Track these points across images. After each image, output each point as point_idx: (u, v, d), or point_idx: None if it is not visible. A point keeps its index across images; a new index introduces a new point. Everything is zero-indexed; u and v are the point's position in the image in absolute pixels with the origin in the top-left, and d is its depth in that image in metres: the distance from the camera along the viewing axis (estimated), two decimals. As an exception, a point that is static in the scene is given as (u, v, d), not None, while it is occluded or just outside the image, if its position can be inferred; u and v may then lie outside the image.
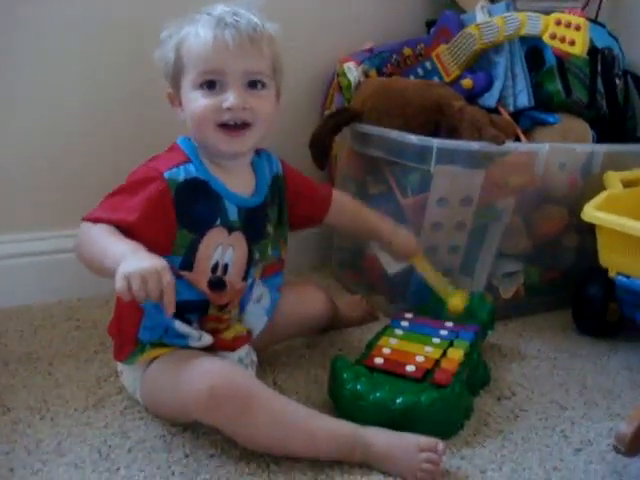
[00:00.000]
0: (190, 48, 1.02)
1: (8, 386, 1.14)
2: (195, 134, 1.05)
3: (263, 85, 1.03)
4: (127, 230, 0.96)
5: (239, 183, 1.08)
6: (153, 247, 0.94)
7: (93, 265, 0.96)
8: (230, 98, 1.00)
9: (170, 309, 0.88)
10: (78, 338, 1.32)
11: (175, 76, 1.05)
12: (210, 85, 1.01)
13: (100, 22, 1.42)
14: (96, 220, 0.97)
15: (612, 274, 1.34)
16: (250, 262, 1.09)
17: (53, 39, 1.40)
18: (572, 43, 1.33)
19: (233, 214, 1.05)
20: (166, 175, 1.00)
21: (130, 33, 1.43)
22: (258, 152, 1.14)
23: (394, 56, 1.57)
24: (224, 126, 1.01)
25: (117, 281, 0.85)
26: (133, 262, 0.87)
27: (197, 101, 1.01)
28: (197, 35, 1.01)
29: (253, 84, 1.02)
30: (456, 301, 1.27)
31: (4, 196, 1.42)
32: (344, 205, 1.28)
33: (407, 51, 1.56)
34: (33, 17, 1.37)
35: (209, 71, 1.00)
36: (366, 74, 1.56)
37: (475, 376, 1.17)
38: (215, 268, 1.05)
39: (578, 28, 1.33)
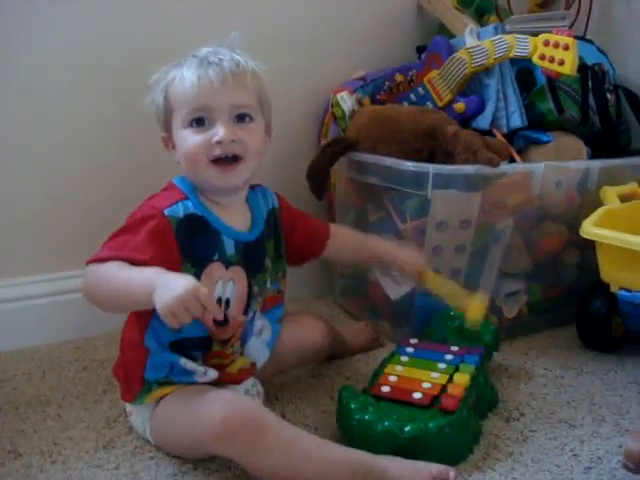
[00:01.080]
0: (177, 90, 1.05)
1: (19, 431, 1.14)
2: (189, 172, 1.07)
3: (251, 118, 1.06)
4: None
5: (236, 219, 1.09)
6: None
7: (113, 301, 0.98)
8: (219, 132, 1.02)
9: (218, 316, 0.98)
10: (86, 379, 1.32)
11: (166, 119, 1.08)
12: (199, 122, 1.03)
13: (104, 65, 1.45)
14: (104, 260, 0.98)
15: (614, 289, 1.34)
16: (250, 295, 1.10)
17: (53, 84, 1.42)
18: (561, 63, 1.34)
19: (230, 249, 1.06)
20: (166, 212, 1.02)
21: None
22: (253, 188, 1.16)
23: (387, 83, 1.59)
24: (216, 161, 1.03)
25: (166, 318, 0.89)
26: (166, 294, 0.89)
27: (188, 139, 1.04)
28: (182, 77, 1.04)
29: (241, 118, 1.05)
30: (475, 309, 1.21)
31: (6, 240, 1.43)
32: (344, 238, 1.29)
33: (399, 77, 1.57)
34: (38, 75, 1.40)
35: (197, 109, 1.03)
36: (360, 102, 1.58)
37: (482, 399, 1.17)
38: (218, 304, 1.06)
39: (567, 48, 1.33)
